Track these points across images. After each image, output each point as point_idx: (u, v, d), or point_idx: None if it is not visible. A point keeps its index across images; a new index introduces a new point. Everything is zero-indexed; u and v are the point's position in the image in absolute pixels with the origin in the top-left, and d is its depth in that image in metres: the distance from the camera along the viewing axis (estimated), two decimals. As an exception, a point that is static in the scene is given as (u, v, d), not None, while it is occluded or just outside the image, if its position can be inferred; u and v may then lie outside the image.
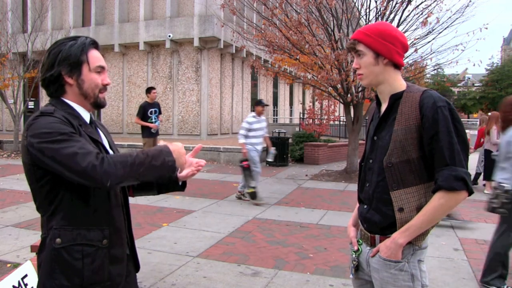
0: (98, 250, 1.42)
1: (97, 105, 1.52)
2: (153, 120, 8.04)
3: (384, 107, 1.65)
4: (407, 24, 9.22)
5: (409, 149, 1.53)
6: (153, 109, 8.11)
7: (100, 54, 1.55)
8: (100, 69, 1.51)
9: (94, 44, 1.52)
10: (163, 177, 1.45)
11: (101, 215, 1.44)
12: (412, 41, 9.36)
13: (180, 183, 1.73)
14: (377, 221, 1.60)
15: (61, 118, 1.37)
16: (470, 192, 1.47)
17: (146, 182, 1.49)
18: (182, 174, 1.71)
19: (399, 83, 1.62)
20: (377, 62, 1.58)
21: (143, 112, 8.00)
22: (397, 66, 1.61)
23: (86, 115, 1.51)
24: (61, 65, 1.44)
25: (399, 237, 1.52)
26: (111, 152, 1.58)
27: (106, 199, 1.46)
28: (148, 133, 8.05)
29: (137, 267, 1.68)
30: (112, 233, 1.46)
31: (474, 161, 8.92)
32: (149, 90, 8.38)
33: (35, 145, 1.32)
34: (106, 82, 1.52)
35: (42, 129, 1.32)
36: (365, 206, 1.67)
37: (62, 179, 1.34)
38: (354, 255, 1.72)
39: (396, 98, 1.60)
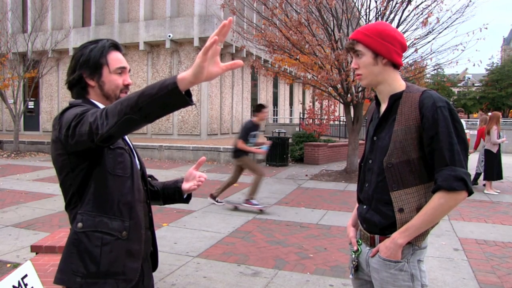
0: (117, 240, 1.44)
1: None
2: (252, 144, 6.43)
3: (383, 107, 1.65)
4: (407, 24, 9.24)
5: (409, 150, 1.53)
6: (255, 132, 6.43)
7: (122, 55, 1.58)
8: (121, 70, 1.54)
9: (114, 46, 1.56)
10: (169, 104, 1.25)
11: (124, 207, 1.47)
12: (412, 41, 9.37)
13: (184, 196, 1.78)
14: (377, 221, 1.60)
15: (88, 106, 1.44)
16: (470, 193, 1.47)
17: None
18: (185, 187, 1.76)
19: (398, 83, 1.62)
20: (376, 62, 1.58)
21: (247, 135, 6.35)
22: (396, 66, 1.61)
23: None
24: (82, 69, 1.50)
25: (399, 237, 1.52)
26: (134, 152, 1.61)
27: (131, 192, 1.50)
28: (246, 153, 6.48)
29: (154, 266, 1.72)
30: (132, 227, 1.49)
31: (474, 161, 8.91)
32: (259, 108, 6.44)
33: (71, 128, 1.31)
34: (127, 82, 1.56)
35: (72, 115, 1.35)
36: (365, 207, 1.67)
37: (94, 168, 1.41)
38: (353, 255, 1.72)
39: (395, 99, 1.59)
